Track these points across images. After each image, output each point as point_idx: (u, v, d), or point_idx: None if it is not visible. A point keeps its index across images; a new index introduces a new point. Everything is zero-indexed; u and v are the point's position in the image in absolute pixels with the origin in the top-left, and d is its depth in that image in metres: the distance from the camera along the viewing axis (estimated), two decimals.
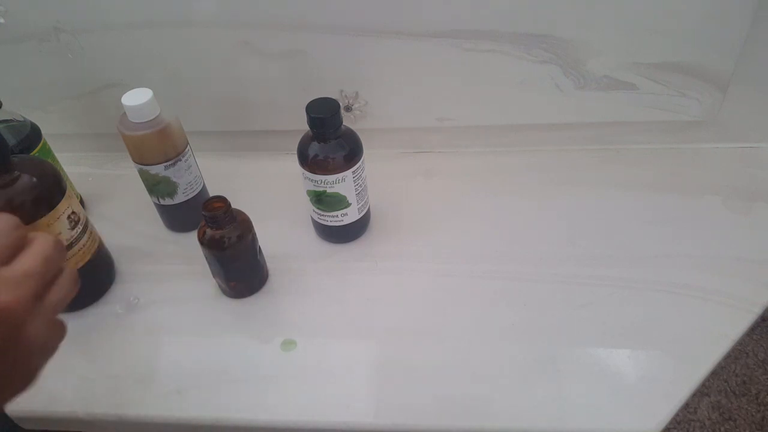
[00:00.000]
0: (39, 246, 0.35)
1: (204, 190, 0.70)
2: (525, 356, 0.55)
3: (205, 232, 0.57)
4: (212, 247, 0.57)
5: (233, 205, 0.57)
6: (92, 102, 0.77)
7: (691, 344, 0.55)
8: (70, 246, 0.57)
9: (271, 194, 0.74)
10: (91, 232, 0.60)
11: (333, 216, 0.63)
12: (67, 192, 0.56)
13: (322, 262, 0.66)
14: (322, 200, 0.62)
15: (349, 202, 0.62)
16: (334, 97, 0.58)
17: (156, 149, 0.62)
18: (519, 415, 0.51)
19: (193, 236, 0.60)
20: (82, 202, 0.76)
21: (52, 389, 0.55)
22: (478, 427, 0.50)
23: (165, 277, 0.65)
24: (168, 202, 0.67)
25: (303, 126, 0.59)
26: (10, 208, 0.51)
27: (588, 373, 0.53)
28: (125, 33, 0.69)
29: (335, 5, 0.65)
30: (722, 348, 0.54)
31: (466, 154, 0.79)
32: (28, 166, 0.54)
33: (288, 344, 0.58)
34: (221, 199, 0.56)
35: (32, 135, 0.66)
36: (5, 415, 0.54)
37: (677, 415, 0.50)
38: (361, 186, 0.62)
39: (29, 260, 0.34)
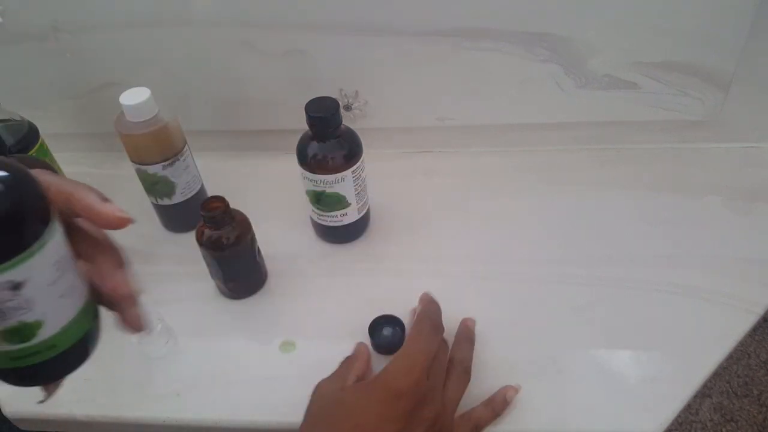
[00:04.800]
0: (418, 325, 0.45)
1: (202, 190, 0.69)
2: (525, 357, 0.54)
3: (203, 233, 0.57)
4: (211, 247, 0.57)
5: (232, 205, 0.57)
6: (90, 101, 0.77)
7: (692, 345, 0.54)
8: None
9: (270, 194, 0.74)
10: None
11: (332, 216, 0.63)
12: None
13: (322, 262, 0.65)
14: (322, 200, 0.62)
15: (349, 202, 0.62)
16: (333, 97, 0.58)
17: (154, 149, 0.61)
18: (519, 415, 0.50)
19: (191, 237, 0.60)
20: None
21: None
22: None
23: (163, 278, 0.65)
24: (166, 202, 0.66)
25: (303, 125, 0.59)
26: None
27: (588, 373, 0.53)
28: (123, 32, 0.69)
29: (335, 5, 0.65)
30: (724, 349, 0.54)
31: (466, 154, 0.78)
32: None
33: (287, 345, 0.57)
34: (220, 199, 0.56)
35: (30, 134, 0.66)
36: (3, 417, 0.54)
37: (679, 416, 0.50)
38: (360, 186, 0.62)
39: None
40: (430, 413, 0.40)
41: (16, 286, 0.25)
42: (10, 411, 0.54)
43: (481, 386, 0.52)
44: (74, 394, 0.55)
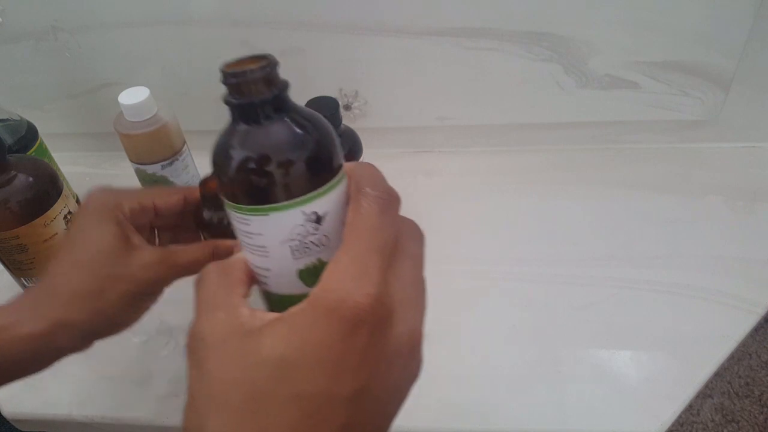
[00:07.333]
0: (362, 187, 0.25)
1: None
2: (526, 357, 0.54)
3: (202, 215, 0.55)
4: (211, 231, 0.55)
5: None
6: (89, 101, 0.76)
7: (693, 345, 0.54)
8: None
9: None
10: None
11: None
12: (63, 192, 0.55)
13: None
14: None
15: None
16: (333, 96, 0.58)
17: (153, 148, 0.61)
18: (520, 416, 0.50)
19: None
20: (78, 202, 0.75)
21: (48, 391, 0.55)
22: (478, 429, 0.50)
23: None
24: None
25: None
26: (6, 207, 0.51)
27: (590, 374, 0.53)
28: (123, 32, 0.69)
29: (335, 4, 0.65)
30: (725, 349, 0.54)
31: (466, 154, 0.78)
32: (25, 166, 0.53)
33: None
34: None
35: (29, 134, 0.66)
36: (2, 418, 0.54)
37: (680, 416, 0.50)
38: None
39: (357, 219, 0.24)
40: (404, 337, 0.24)
41: (319, 219, 0.23)
42: (9, 412, 0.54)
43: (482, 388, 0.52)
44: (73, 395, 0.55)
